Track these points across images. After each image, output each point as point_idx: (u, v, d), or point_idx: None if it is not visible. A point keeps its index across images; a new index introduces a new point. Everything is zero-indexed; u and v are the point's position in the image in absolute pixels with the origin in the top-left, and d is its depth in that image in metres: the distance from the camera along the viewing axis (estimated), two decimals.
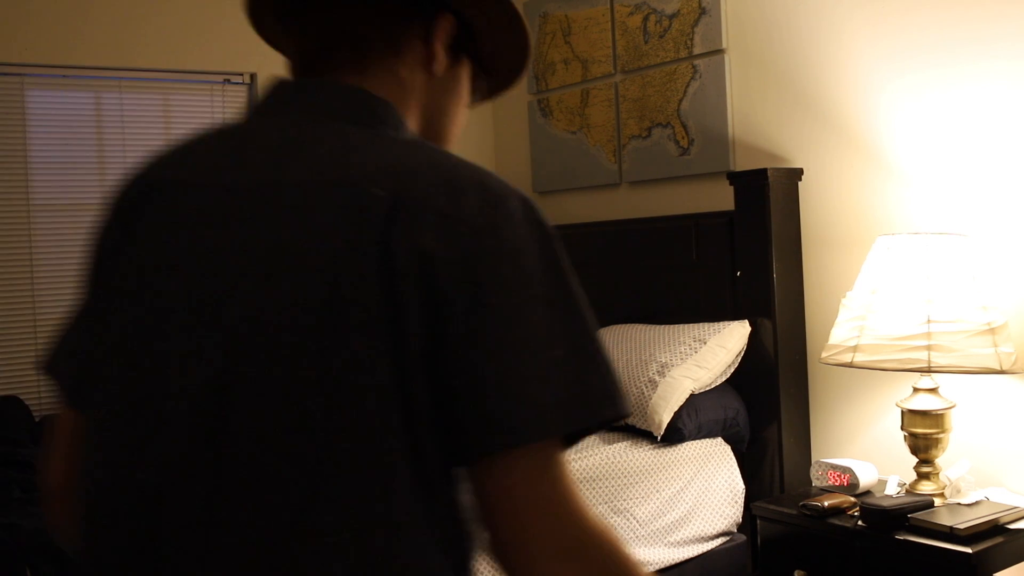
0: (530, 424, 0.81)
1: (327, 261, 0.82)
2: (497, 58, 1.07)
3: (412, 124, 1.01)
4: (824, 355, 2.69)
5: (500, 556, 0.87)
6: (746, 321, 3.10)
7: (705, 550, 2.92)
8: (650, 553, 2.80)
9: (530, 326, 0.83)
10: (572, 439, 0.87)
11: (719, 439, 3.06)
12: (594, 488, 2.84)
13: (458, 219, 0.84)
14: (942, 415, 2.56)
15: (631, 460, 2.89)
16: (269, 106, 0.99)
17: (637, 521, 2.82)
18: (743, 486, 3.04)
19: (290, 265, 0.83)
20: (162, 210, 0.93)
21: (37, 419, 3.24)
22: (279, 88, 1.01)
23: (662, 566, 2.82)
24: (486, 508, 0.85)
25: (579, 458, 2.87)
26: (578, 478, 2.83)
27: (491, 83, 1.12)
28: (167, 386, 0.86)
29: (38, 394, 3.54)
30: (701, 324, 3.16)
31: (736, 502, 3.02)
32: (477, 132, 4.49)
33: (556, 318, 0.84)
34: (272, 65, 3.91)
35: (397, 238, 0.82)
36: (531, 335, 0.83)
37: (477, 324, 0.81)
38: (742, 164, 3.32)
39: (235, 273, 0.85)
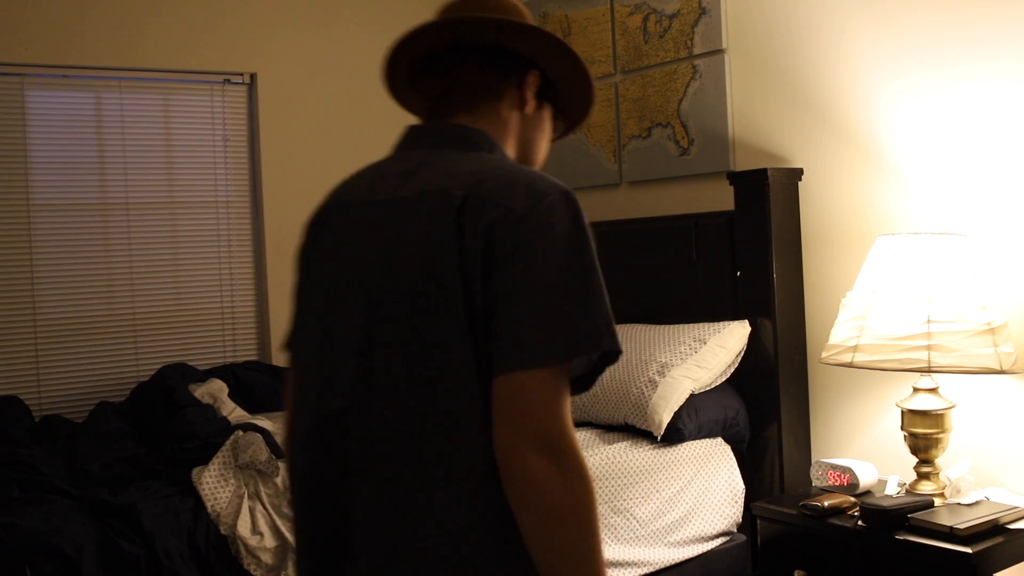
0: (534, 354, 1.13)
1: (424, 243, 1.19)
2: (570, 105, 1.47)
3: (510, 151, 1.39)
4: (824, 355, 2.69)
5: (497, 449, 1.14)
6: (746, 321, 3.10)
7: (705, 550, 2.93)
8: (650, 553, 2.80)
9: (545, 285, 1.15)
10: (585, 381, 1.24)
11: (719, 439, 3.06)
12: (594, 488, 2.84)
13: (509, 208, 1.18)
14: (942, 415, 2.56)
15: (631, 460, 2.89)
16: (405, 143, 1.39)
17: (637, 521, 2.81)
18: (743, 486, 3.04)
19: (402, 248, 1.21)
20: (333, 224, 1.34)
21: (37, 419, 3.23)
22: (411, 130, 1.40)
23: (662, 566, 2.82)
24: (495, 412, 1.14)
25: None
26: None
27: (565, 124, 1.51)
28: (340, 340, 1.25)
29: (38, 394, 3.54)
30: (701, 324, 3.16)
31: (736, 502, 3.02)
32: None
33: (567, 282, 1.16)
34: (272, 65, 3.97)
35: (467, 222, 1.17)
36: (545, 292, 1.15)
37: (510, 280, 1.15)
38: (742, 164, 3.32)
39: (372, 258, 1.24)
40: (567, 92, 1.45)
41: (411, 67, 1.43)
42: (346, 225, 1.31)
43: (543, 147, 1.46)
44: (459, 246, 1.17)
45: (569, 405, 1.16)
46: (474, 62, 1.37)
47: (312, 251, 1.35)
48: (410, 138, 1.39)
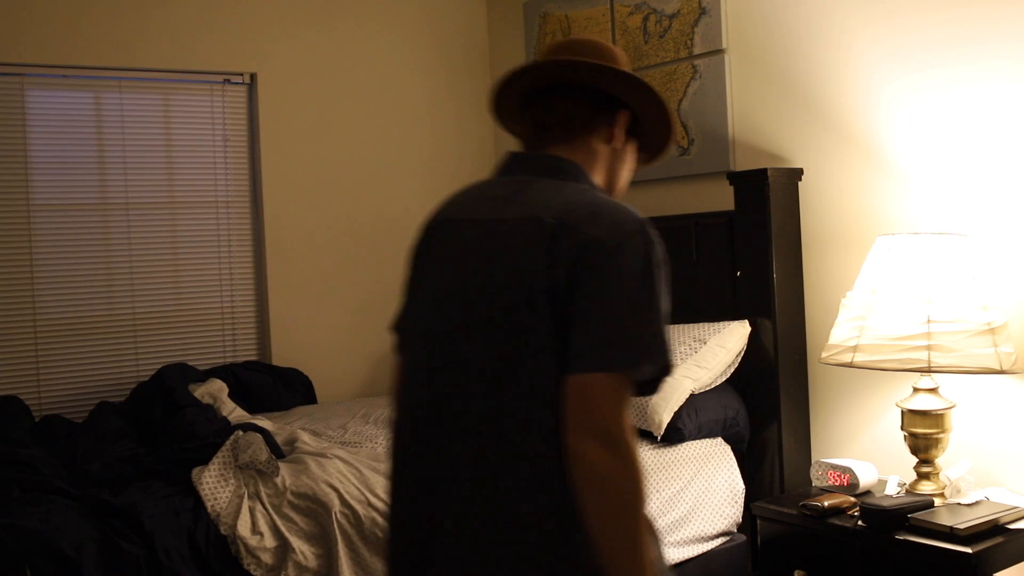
0: (599, 361, 1.35)
1: (519, 265, 1.41)
2: (651, 140, 1.66)
3: (598, 179, 1.59)
4: (824, 355, 2.69)
5: (564, 438, 1.35)
6: (746, 321, 3.10)
7: (705, 550, 2.92)
8: None
9: (615, 307, 1.36)
10: (648, 387, 1.44)
11: (719, 439, 3.06)
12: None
13: (594, 236, 1.39)
14: (942, 415, 2.56)
15: None
16: (504, 168, 1.60)
17: None
18: (743, 486, 3.04)
19: (500, 266, 1.44)
20: (442, 234, 1.56)
21: (37, 419, 3.23)
22: (511, 157, 1.60)
23: None
24: (565, 407, 1.35)
25: None
26: None
27: (646, 156, 1.70)
28: (442, 339, 1.47)
29: (38, 394, 3.54)
30: (701, 324, 3.16)
31: (736, 502, 3.02)
32: (478, 132, 4.49)
33: (633, 305, 1.37)
34: (272, 65, 3.98)
35: (557, 246, 1.39)
36: (614, 311, 1.36)
37: (587, 299, 1.36)
38: (742, 164, 3.32)
39: (472, 271, 1.47)
40: (650, 129, 1.65)
41: (519, 99, 1.62)
42: (453, 237, 1.54)
43: (626, 177, 1.67)
44: (548, 269, 1.39)
45: (628, 405, 1.37)
46: (572, 100, 1.58)
47: (424, 253, 1.58)
48: (510, 164, 1.60)
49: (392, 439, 1.57)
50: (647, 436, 2.98)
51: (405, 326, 1.62)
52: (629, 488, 1.33)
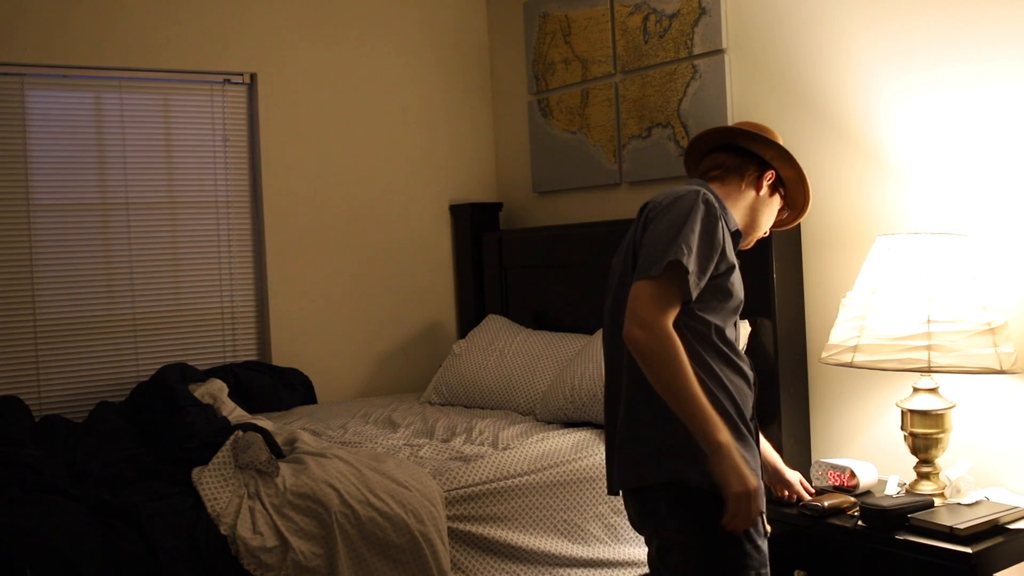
0: (638, 275, 1.98)
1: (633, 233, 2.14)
2: (794, 199, 2.34)
3: (737, 214, 2.22)
4: (824, 355, 2.69)
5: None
6: (746, 321, 3.09)
7: None
8: None
9: (655, 239, 1.99)
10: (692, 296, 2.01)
11: None
12: (594, 488, 2.84)
13: (658, 201, 2.09)
14: (942, 415, 2.56)
15: None
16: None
17: None
18: None
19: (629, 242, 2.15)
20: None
21: (37, 419, 3.23)
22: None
23: None
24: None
25: (580, 458, 2.87)
26: (578, 478, 2.83)
27: (789, 213, 2.38)
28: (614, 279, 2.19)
29: (38, 394, 3.55)
30: None
31: None
32: (477, 132, 4.49)
33: (666, 237, 1.98)
34: (272, 65, 4.00)
35: (641, 216, 2.13)
36: (654, 242, 1.99)
37: (644, 240, 2.04)
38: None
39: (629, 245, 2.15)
40: (792, 189, 2.31)
41: (700, 153, 2.33)
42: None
43: (766, 221, 2.29)
44: (635, 231, 2.11)
45: (667, 302, 1.94)
46: (730, 154, 2.25)
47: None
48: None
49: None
50: None
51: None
52: (665, 357, 1.90)
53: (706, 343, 2.04)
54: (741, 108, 3.35)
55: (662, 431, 2.00)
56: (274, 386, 3.79)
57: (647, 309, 1.92)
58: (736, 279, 2.10)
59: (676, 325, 1.95)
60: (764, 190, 2.24)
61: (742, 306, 2.14)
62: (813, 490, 2.62)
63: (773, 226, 2.34)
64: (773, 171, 2.24)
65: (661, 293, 1.94)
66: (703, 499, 1.96)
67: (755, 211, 2.24)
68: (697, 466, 1.94)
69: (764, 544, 2.03)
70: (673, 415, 1.93)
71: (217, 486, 2.44)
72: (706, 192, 2.05)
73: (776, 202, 2.28)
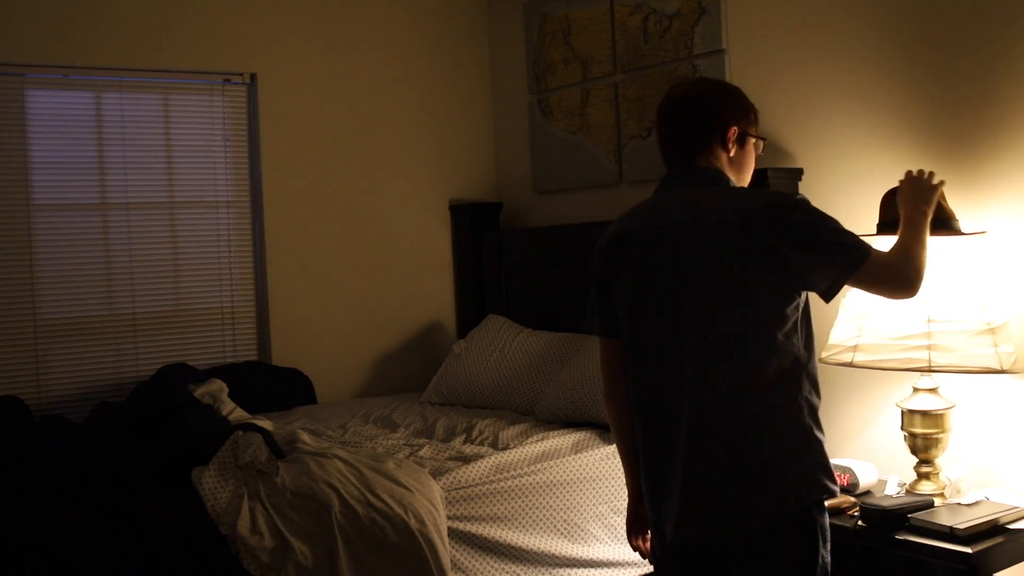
0: (858, 252, 1.96)
1: (716, 250, 1.90)
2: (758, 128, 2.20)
3: (732, 176, 2.06)
4: (824, 355, 2.69)
5: None
6: None
7: None
8: None
9: (831, 228, 1.95)
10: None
11: None
12: (594, 488, 2.84)
13: (785, 204, 1.92)
14: (942, 415, 2.56)
15: None
16: (667, 184, 2.08)
17: None
18: None
19: (697, 252, 1.92)
20: (635, 242, 2.02)
21: (37, 419, 3.23)
22: (671, 177, 2.08)
23: None
24: None
25: (579, 458, 2.87)
26: (578, 478, 2.83)
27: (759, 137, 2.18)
28: (662, 311, 1.96)
29: (38, 394, 3.54)
30: None
31: None
32: (477, 132, 4.49)
33: (838, 225, 1.96)
34: (272, 65, 4.00)
35: (750, 231, 1.88)
36: (833, 229, 1.96)
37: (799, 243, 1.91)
38: None
39: (683, 258, 1.93)
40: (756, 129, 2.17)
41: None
42: (645, 242, 1.99)
43: (750, 167, 2.15)
44: (740, 248, 1.88)
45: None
46: (708, 131, 2.08)
47: (621, 260, 2.02)
48: (672, 181, 2.07)
49: (638, 394, 2.02)
50: None
51: (614, 318, 2.07)
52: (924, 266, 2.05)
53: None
54: None
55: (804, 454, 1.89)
56: (274, 386, 3.79)
57: (905, 265, 1.99)
58: None
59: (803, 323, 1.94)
60: (732, 148, 2.06)
61: None
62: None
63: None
64: (734, 127, 2.06)
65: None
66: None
67: (739, 167, 2.10)
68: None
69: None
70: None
71: (217, 486, 2.44)
72: (795, 195, 1.97)
73: (749, 148, 2.12)
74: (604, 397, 2.17)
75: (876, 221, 2.96)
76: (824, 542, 1.91)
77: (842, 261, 1.89)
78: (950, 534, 2.34)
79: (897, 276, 1.96)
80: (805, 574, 1.88)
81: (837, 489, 1.94)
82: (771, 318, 1.88)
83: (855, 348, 2.56)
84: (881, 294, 2.01)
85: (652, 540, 2.09)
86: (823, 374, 3.06)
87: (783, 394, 1.89)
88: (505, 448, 2.96)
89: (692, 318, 1.92)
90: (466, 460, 2.84)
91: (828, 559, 1.92)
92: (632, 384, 2.04)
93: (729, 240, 1.88)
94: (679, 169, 2.06)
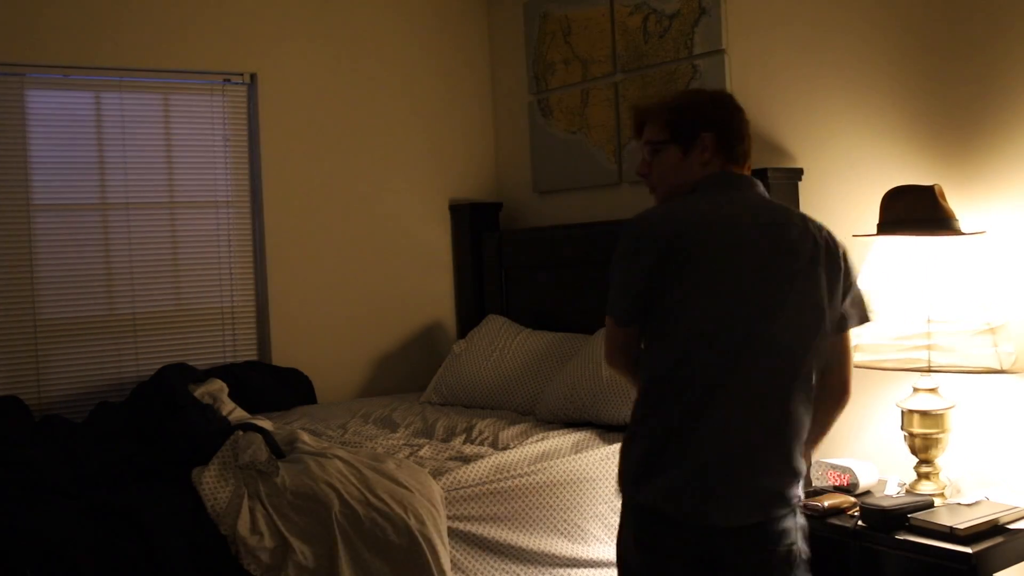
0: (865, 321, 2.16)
1: (792, 251, 1.97)
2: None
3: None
4: None
5: None
6: None
7: None
8: None
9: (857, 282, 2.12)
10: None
11: None
12: (594, 488, 2.84)
13: (830, 237, 2.04)
14: (942, 415, 2.56)
15: None
16: (723, 184, 2.09)
17: None
18: None
19: (779, 250, 1.97)
20: (696, 234, 1.98)
21: (37, 419, 3.23)
22: (719, 176, 2.09)
23: None
24: None
25: (578, 458, 2.87)
26: (578, 478, 2.83)
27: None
28: (735, 301, 1.95)
29: (38, 394, 3.54)
30: None
31: None
32: (477, 132, 4.49)
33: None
34: (272, 65, 4.00)
35: (817, 242, 1.99)
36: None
37: (843, 280, 2.06)
38: None
39: (742, 254, 1.97)
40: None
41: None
42: (706, 236, 1.97)
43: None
44: (811, 255, 1.98)
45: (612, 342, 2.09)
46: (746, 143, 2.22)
47: (684, 250, 1.95)
48: (720, 181, 2.09)
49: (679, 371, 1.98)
50: None
51: (663, 309, 1.98)
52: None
53: None
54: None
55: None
56: (274, 386, 3.79)
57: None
58: None
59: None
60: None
61: None
62: None
63: None
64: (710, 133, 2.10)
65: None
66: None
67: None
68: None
69: None
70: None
71: (217, 486, 2.44)
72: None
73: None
74: (625, 373, 2.14)
75: (876, 221, 2.96)
76: (805, 537, 2.05)
77: (862, 310, 2.10)
78: (950, 534, 2.34)
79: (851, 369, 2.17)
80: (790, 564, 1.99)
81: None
82: (820, 331, 2.00)
83: (855, 348, 2.56)
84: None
85: (628, 519, 2.06)
86: None
87: (809, 396, 2.01)
88: (505, 448, 2.96)
89: (769, 315, 1.95)
90: (466, 460, 2.84)
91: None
92: (658, 367, 2.00)
93: (807, 250, 1.98)
94: (730, 170, 2.11)
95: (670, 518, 1.94)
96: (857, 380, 2.95)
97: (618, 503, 2.83)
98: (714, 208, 2.02)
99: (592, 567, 2.79)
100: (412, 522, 2.47)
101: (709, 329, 1.95)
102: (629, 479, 2.01)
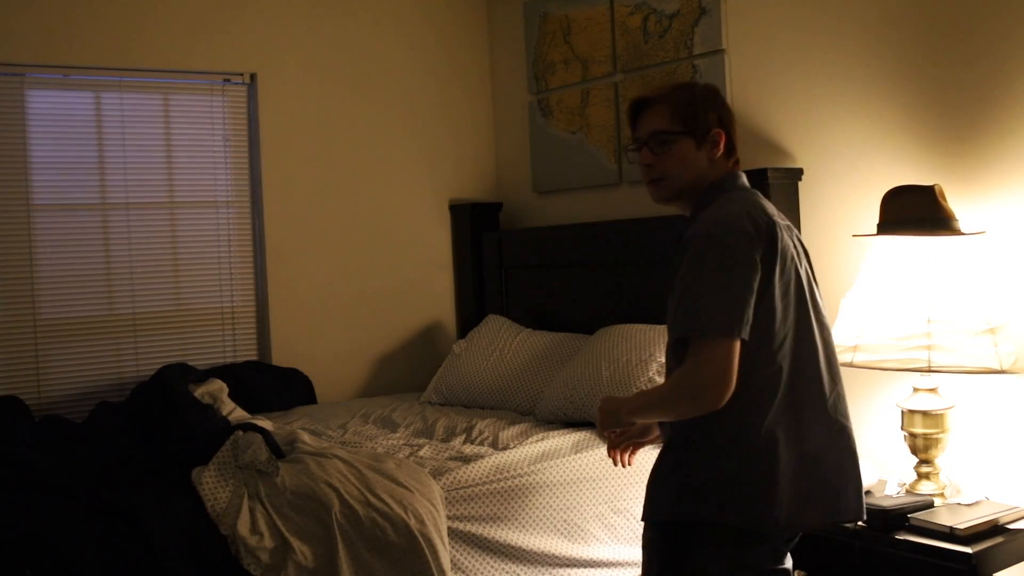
0: None
1: (807, 253, 2.07)
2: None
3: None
4: None
5: None
6: None
7: None
8: None
9: None
10: None
11: None
12: (594, 488, 2.84)
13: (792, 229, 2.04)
14: (942, 415, 2.56)
15: None
16: (746, 186, 2.09)
17: (637, 521, 2.81)
18: None
19: (805, 255, 2.05)
20: (783, 237, 1.94)
21: (37, 419, 3.23)
22: (741, 176, 2.10)
23: None
24: None
25: (579, 458, 2.87)
26: (578, 478, 2.83)
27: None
28: (808, 313, 1.98)
29: (38, 394, 3.54)
30: None
31: None
32: (477, 132, 4.49)
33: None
34: (272, 65, 4.00)
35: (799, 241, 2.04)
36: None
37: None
38: (742, 164, 3.30)
39: (799, 258, 1.99)
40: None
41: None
42: (790, 240, 1.97)
43: None
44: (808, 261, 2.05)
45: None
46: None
47: (773, 253, 1.90)
48: (747, 183, 2.09)
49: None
50: None
51: (767, 316, 1.89)
52: None
53: None
54: (741, 108, 3.35)
55: None
56: (274, 386, 3.79)
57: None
58: None
59: None
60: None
61: None
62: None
63: None
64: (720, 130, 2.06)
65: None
66: None
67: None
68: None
69: None
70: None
71: (217, 486, 2.44)
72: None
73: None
74: (721, 403, 1.85)
75: (876, 221, 2.97)
76: None
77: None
78: (950, 534, 2.34)
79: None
80: None
81: None
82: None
83: (855, 348, 2.56)
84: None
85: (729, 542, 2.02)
86: None
87: None
88: (505, 448, 2.96)
89: (822, 320, 2.02)
90: (466, 460, 2.84)
91: None
92: (774, 378, 1.92)
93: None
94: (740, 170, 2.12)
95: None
96: (857, 380, 2.97)
97: (618, 503, 2.84)
98: (765, 205, 2.00)
99: (592, 567, 2.79)
100: (412, 522, 2.47)
101: (808, 334, 1.97)
102: (780, 506, 1.96)
